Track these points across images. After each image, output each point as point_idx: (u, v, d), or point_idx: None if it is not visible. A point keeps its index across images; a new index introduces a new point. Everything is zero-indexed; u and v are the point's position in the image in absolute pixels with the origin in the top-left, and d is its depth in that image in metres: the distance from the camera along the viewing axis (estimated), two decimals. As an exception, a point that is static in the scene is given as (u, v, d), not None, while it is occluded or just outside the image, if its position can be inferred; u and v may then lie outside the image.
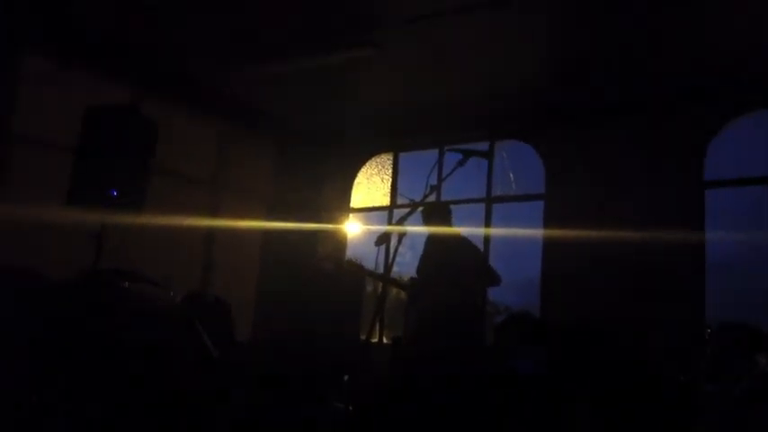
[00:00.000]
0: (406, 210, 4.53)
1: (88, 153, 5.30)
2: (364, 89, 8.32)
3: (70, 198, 5.28)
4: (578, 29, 6.52)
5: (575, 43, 6.79)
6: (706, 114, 7.39)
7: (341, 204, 9.73)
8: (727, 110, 7.38)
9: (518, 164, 8.70)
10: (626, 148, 7.70)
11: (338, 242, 9.64)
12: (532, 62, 7.23)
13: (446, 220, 6.59)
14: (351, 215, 9.81)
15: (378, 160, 9.78)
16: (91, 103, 5.50)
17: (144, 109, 5.60)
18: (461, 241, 6.61)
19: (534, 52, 7.02)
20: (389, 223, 9.15)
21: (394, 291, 7.60)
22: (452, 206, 7.05)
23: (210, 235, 8.79)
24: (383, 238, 4.32)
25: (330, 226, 9.52)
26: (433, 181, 4.36)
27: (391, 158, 9.65)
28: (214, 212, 8.91)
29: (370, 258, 8.03)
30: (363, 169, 9.84)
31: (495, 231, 8.56)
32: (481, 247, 8.18)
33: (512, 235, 8.72)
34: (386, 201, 9.59)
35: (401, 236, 4.31)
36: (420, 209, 6.50)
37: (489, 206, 8.65)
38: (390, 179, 9.59)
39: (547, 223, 8.11)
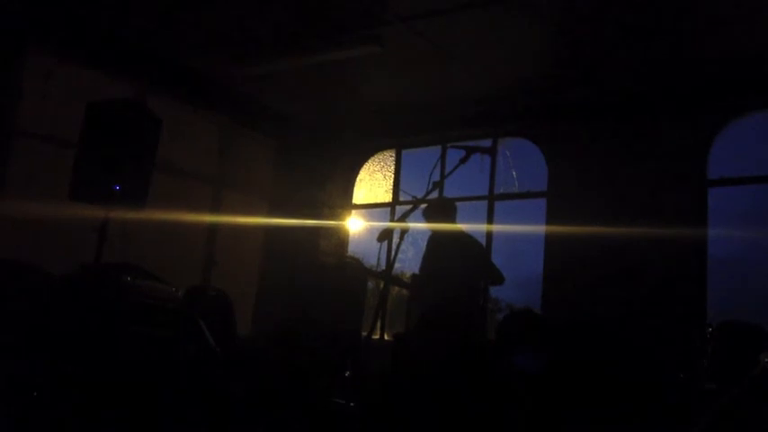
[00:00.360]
0: (408, 206, 4.53)
1: (91, 148, 5.31)
2: (367, 86, 8.32)
3: (73, 193, 5.29)
4: (581, 26, 6.51)
5: (578, 41, 6.78)
6: (710, 113, 7.37)
7: (343, 201, 9.74)
8: (731, 108, 7.36)
9: (521, 162, 8.70)
10: (629, 145, 7.68)
11: (340, 238, 9.65)
12: (535, 60, 7.23)
13: (451, 217, 6.59)
14: (353, 212, 9.81)
15: (380, 157, 9.78)
16: (94, 98, 5.51)
17: (147, 104, 5.61)
18: (466, 238, 6.61)
19: (537, 50, 7.02)
20: (391, 220, 9.14)
21: (395, 288, 7.62)
22: (455, 203, 7.06)
23: (212, 230, 8.80)
24: (385, 235, 4.32)
25: (332, 222, 9.52)
26: (436, 177, 4.35)
27: (393, 155, 9.65)
28: (216, 208, 8.92)
29: (372, 255, 8.05)
30: (366, 166, 9.84)
31: (496, 229, 8.55)
32: (483, 244, 8.19)
33: (514, 232, 8.71)
34: (388, 197, 9.59)
35: (403, 232, 4.31)
36: (424, 206, 6.51)
37: (492, 203, 8.64)
38: (393, 176, 9.58)
39: (549, 221, 8.10)
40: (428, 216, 6.52)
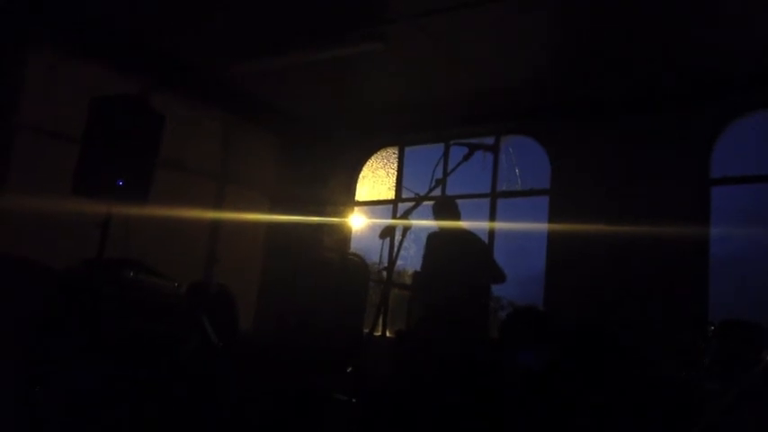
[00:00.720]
0: (411, 204, 4.53)
1: (94, 143, 5.31)
2: (371, 83, 8.32)
3: (76, 187, 5.29)
4: (584, 24, 6.50)
5: (581, 39, 6.77)
6: (713, 111, 7.36)
7: (345, 198, 9.74)
8: (734, 107, 7.35)
9: (524, 159, 8.69)
10: (632, 144, 7.68)
11: (343, 235, 9.65)
12: (539, 57, 7.22)
13: (456, 215, 6.60)
14: (355, 209, 9.81)
15: (383, 154, 9.77)
16: (97, 93, 5.51)
17: (151, 100, 5.61)
18: (469, 236, 6.62)
19: (540, 48, 7.01)
20: (394, 217, 9.15)
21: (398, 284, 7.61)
22: (457, 201, 7.06)
23: (215, 226, 8.81)
24: (387, 232, 4.32)
25: (334, 219, 9.52)
26: (439, 175, 4.35)
27: (396, 152, 9.64)
28: (219, 204, 8.92)
29: (375, 252, 8.04)
30: (369, 163, 9.84)
31: (499, 226, 8.55)
32: (485, 241, 8.18)
33: (516, 229, 8.71)
34: (391, 195, 9.58)
35: (406, 230, 4.31)
36: (431, 203, 6.52)
37: (494, 201, 8.64)
38: (395, 173, 9.58)
39: (551, 219, 8.10)
40: (437, 213, 6.54)
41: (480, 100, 8.22)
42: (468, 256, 6.38)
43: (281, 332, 5.76)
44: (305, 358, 5.17)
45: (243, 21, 6.98)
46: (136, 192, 5.43)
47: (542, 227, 8.16)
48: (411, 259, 8.54)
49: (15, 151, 6.82)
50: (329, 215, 9.47)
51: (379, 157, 9.78)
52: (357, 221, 9.80)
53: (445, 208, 6.58)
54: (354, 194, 9.81)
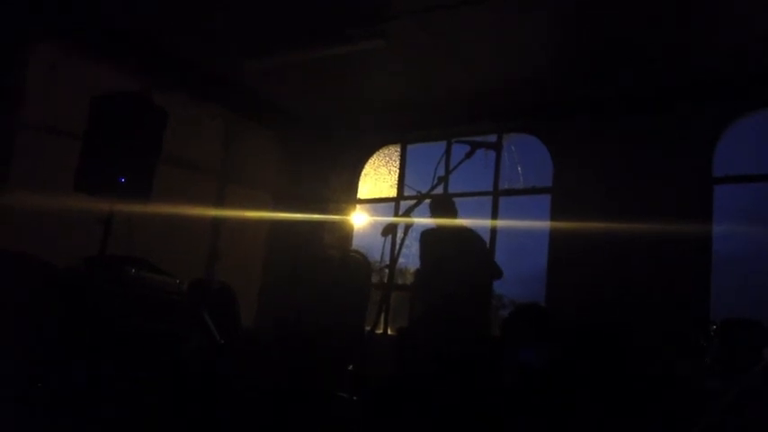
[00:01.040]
0: (413, 201, 4.53)
1: (96, 140, 5.30)
2: (373, 80, 8.31)
3: (78, 184, 5.29)
4: (587, 22, 6.50)
5: (584, 37, 6.77)
6: (716, 109, 7.35)
7: (347, 195, 9.74)
8: (737, 106, 7.34)
9: (526, 158, 8.69)
10: (634, 142, 7.67)
11: (344, 233, 9.65)
12: (541, 55, 7.21)
13: (452, 213, 6.60)
14: (357, 206, 9.81)
15: (385, 152, 9.77)
16: (99, 91, 5.50)
17: (153, 98, 5.60)
18: (466, 233, 6.62)
19: (543, 45, 7.00)
20: (396, 215, 9.15)
21: (399, 282, 7.62)
22: (460, 199, 7.05)
23: (217, 223, 8.81)
24: (389, 229, 4.33)
25: (336, 217, 9.52)
26: (441, 172, 4.36)
27: (399, 150, 9.64)
28: (220, 201, 8.93)
29: (377, 250, 8.03)
30: (371, 160, 9.83)
31: (501, 225, 8.54)
32: (487, 240, 8.18)
33: (519, 227, 8.70)
34: (393, 192, 9.58)
35: (407, 227, 4.31)
36: (427, 201, 6.51)
37: (496, 199, 8.63)
38: (398, 171, 9.58)
39: (553, 217, 8.10)
40: (434, 210, 6.54)
41: (482, 98, 8.22)
42: (467, 253, 6.38)
43: (281, 329, 5.76)
44: (306, 356, 5.18)
45: (244, 19, 6.98)
46: (138, 189, 5.42)
47: (544, 225, 8.16)
48: (413, 257, 8.52)
49: (17, 149, 6.82)
50: (331, 213, 9.48)
51: (382, 154, 9.78)
52: (359, 219, 9.80)
53: (441, 206, 6.58)
54: (356, 192, 9.81)
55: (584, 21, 6.49)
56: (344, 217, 9.63)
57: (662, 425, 4.56)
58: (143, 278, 5.52)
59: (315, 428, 4.76)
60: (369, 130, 9.45)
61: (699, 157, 7.33)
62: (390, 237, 4.66)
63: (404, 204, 9.18)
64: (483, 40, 6.99)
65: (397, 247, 4.31)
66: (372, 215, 9.82)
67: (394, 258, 4.64)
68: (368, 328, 6.68)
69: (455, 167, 4.35)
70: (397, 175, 9.58)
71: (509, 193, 8.64)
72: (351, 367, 5.56)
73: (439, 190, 5.78)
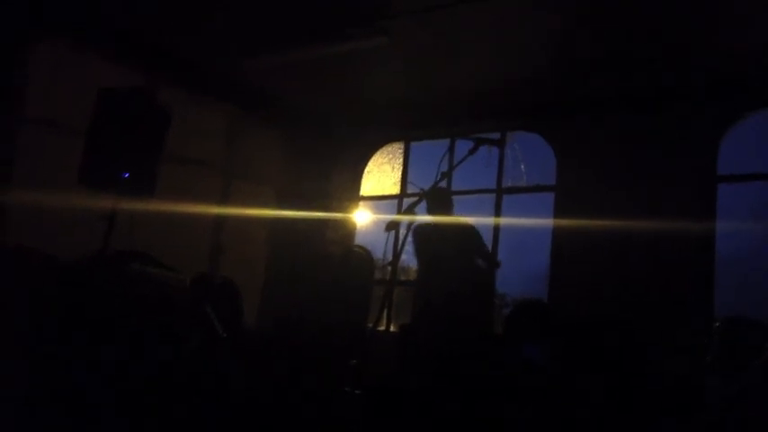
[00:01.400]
0: (416, 198, 4.54)
1: (100, 136, 5.31)
2: (376, 79, 8.31)
3: (81, 179, 5.30)
4: (592, 20, 6.50)
5: (588, 34, 6.76)
6: (721, 107, 7.34)
7: (350, 192, 9.74)
8: (742, 104, 7.34)
9: (529, 156, 8.69)
10: (638, 140, 7.67)
11: (347, 230, 9.65)
12: (545, 53, 7.21)
13: (448, 206, 6.58)
14: (360, 203, 9.81)
15: (389, 149, 9.77)
16: (104, 85, 5.51)
17: (157, 93, 5.62)
18: (459, 224, 6.62)
19: (547, 43, 7.00)
20: (399, 212, 9.15)
21: (402, 279, 7.62)
22: (463, 197, 7.06)
23: (219, 220, 8.82)
24: (393, 225, 4.34)
25: (339, 214, 9.53)
26: (445, 168, 4.37)
27: (402, 147, 9.64)
28: (224, 197, 8.94)
29: (379, 247, 8.05)
30: (374, 158, 9.83)
31: (503, 222, 8.54)
32: (490, 238, 8.19)
33: (521, 225, 8.70)
34: (396, 190, 9.59)
35: (410, 224, 4.32)
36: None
37: (499, 197, 8.63)
38: (401, 168, 9.57)
39: (557, 215, 8.10)
40: (430, 205, 6.52)
41: (485, 96, 8.21)
42: (462, 247, 6.38)
43: (284, 325, 5.78)
44: (308, 351, 5.19)
45: (247, 17, 6.99)
46: (142, 186, 5.44)
47: (547, 223, 8.16)
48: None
49: (20, 145, 6.84)
50: (334, 210, 9.48)
51: (385, 151, 9.78)
52: (362, 216, 9.80)
53: (437, 199, 6.55)
54: (359, 189, 9.81)
55: (588, 19, 6.48)
56: (347, 214, 9.63)
57: (664, 422, 4.57)
58: (147, 273, 5.52)
59: (317, 425, 4.77)
60: (372, 127, 9.45)
61: (702, 156, 7.33)
62: (393, 233, 4.66)
63: (407, 202, 9.18)
64: (484, 38, 7.00)
65: (400, 243, 4.32)
66: (375, 213, 9.83)
67: (397, 255, 4.65)
68: (370, 325, 6.69)
69: (458, 163, 4.37)
70: (400, 173, 9.58)
71: (512, 190, 8.64)
72: (353, 362, 5.57)
73: (442, 186, 5.79)
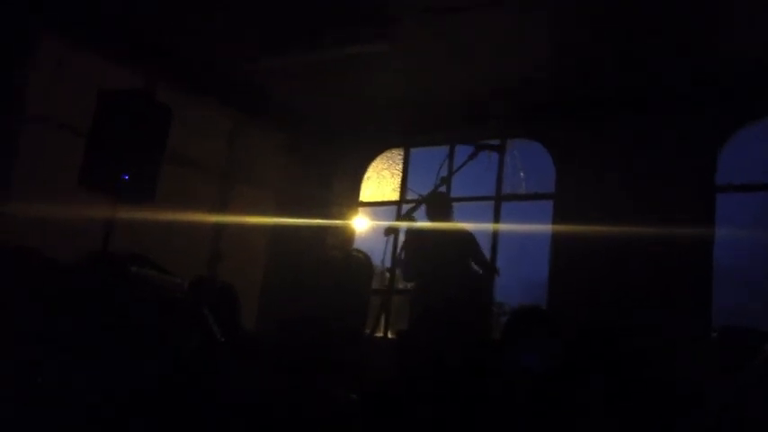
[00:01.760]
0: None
1: (101, 137, 5.32)
2: (377, 84, 8.31)
3: (81, 180, 5.30)
4: (591, 26, 6.52)
5: (588, 41, 6.78)
6: (720, 117, 7.36)
7: (350, 198, 9.73)
8: (742, 113, 7.35)
9: (529, 163, 8.69)
10: (637, 149, 7.68)
11: (347, 235, 9.64)
12: (543, 60, 7.22)
13: (449, 212, 6.58)
14: (360, 209, 9.80)
15: (388, 155, 9.77)
16: (105, 87, 5.53)
17: (158, 95, 5.63)
18: (460, 232, 6.62)
19: (546, 49, 7.02)
20: (398, 219, 9.14)
21: (400, 287, 7.60)
22: (462, 203, 7.06)
23: (219, 223, 8.81)
24: (392, 229, 4.34)
25: (338, 219, 9.51)
26: (444, 174, 4.37)
27: (402, 153, 9.64)
28: (224, 201, 8.93)
29: (378, 253, 8.04)
30: (374, 163, 9.83)
31: (503, 230, 8.53)
32: (489, 245, 8.18)
33: (519, 234, 8.70)
34: (395, 196, 9.58)
35: (409, 229, 4.32)
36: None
37: (498, 204, 8.62)
38: (401, 174, 9.57)
39: (556, 223, 8.10)
40: (428, 209, 6.51)
41: (486, 102, 8.21)
42: (462, 252, 6.38)
43: (282, 329, 5.76)
44: (306, 356, 5.18)
45: (248, 19, 7.00)
46: (142, 189, 5.44)
47: (546, 231, 8.15)
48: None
49: (22, 144, 6.84)
50: (334, 215, 9.47)
51: (385, 157, 9.77)
52: (361, 223, 9.79)
53: (436, 204, 6.54)
54: (359, 195, 9.80)
55: (586, 24, 6.50)
56: (347, 219, 9.62)
57: (662, 429, 4.56)
58: (145, 276, 5.51)
59: (314, 429, 4.76)
60: (372, 133, 9.45)
61: (702, 165, 7.34)
62: (392, 238, 4.66)
63: (406, 208, 9.16)
64: (487, 44, 7.01)
65: (399, 249, 4.32)
66: (375, 219, 9.81)
67: (395, 261, 4.65)
68: (367, 332, 6.69)
69: (458, 168, 4.38)
70: (399, 179, 9.57)
71: (511, 198, 8.63)
72: (351, 366, 5.57)
73: (442, 191, 5.79)
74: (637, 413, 4.56)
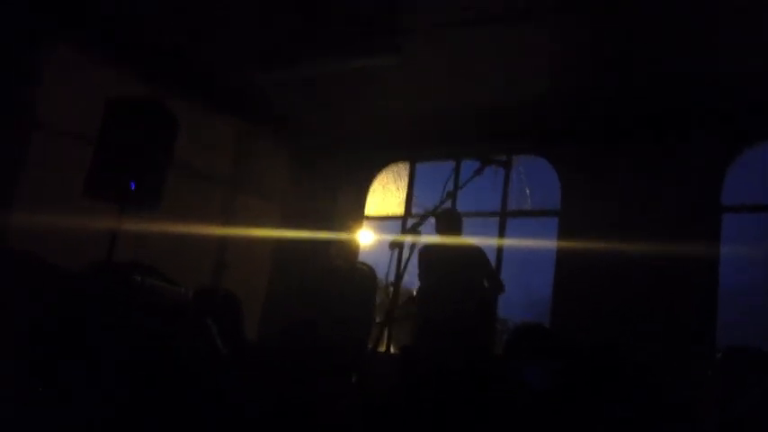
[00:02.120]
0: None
1: (108, 144, 5.32)
2: (384, 97, 8.33)
3: (87, 187, 5.30)
4: (598, 46, 6.53)
5: (594, 60, 6.80)
6: (727, 137, 7.36)
7: (355, 212, 9.72)
8: (749, 134, 7.35)
9: (534, 180, 8.69)
10: (643, 168, 7.67)
11: (351, 248, 9.63)
12: (551, 77, 7.24)
13: (460, 228, 6.59)
14: (364, 223, 9.79)
15: (394, 169, 9.77)
16: (112, 94, 5.54)
17: (165, 103, 5.63)
18: (470, 248, 6.61)
19: (553, 68, 7.03)
20: (403, 233, 9.13)
21: (404, 299, 7.58)
22: (467, 219, 7.03)
23: (224, 233, 8.81)
24: (397, 243, 4.32)
25: (343, 233, 9.50)
26: (450, 188, 4.36)
27: (407, 168, 9.65)
28: (229, 211, 8.94)
29: (383, 267, 8.03)
30: (379, 177, 9.83)
31: (507, 247, 8.51)
32: (493, 261, 8.16)
33: (524, 252, 8.68)
34: (400, 210, 9.57)
35: (413, 245, 4.31)
36: (433, 218, 6.50)
37: (503, 220, 8.61)
38: (406, 189, 9.57)
39: (560, 240, 8.08)
40: (438, 224, 6.52)
41: (492, 119, 8.22)
42: (469, 267, 6.37)
43: (285, 339, 5.75)
44: (308, 366, 5.16)
45: (258, 30, 7.04)
46: (148, 197, 5.44)
47: (551, 248, 8.14)
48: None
49: (29, 152, 6.86)
50: (339, 229, 9.46)
51: (390, 171, 9.78)
52: (366, 236, 9.78)
53: (446, 219, 6.55)
54: (364, 209, 9.80)
55: (594, 44, 6.52)
56: (352, 233, 9.61)
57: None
58: (148, 285, 5.51)
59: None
60: (379, 147, 9.46)
61: (708, 184, 7.33)
62: (397, 252, 4.65)
63: (411, 222, 9.17)
64: (493, 61, 7.03)
65: (403, 264, 4.30)
66: (380, 233, 9.81)
67: (399, 275, 4.63)
68: (370, 346, 6.67)
69: (464, 184, 4.36)
70: (405, 193, 9.57)
71: (517, 214, 8.62)
72: (354, 379, 5.55)
73: (446, 206, 5.78)
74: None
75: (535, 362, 4.67)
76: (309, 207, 9.38)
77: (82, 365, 4.53)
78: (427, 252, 6.48)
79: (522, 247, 8.66)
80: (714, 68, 6.64)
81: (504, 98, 7.77)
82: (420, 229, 4.44)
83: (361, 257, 9.68)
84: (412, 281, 8.33)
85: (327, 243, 9.33)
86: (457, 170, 8.42)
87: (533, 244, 8.59)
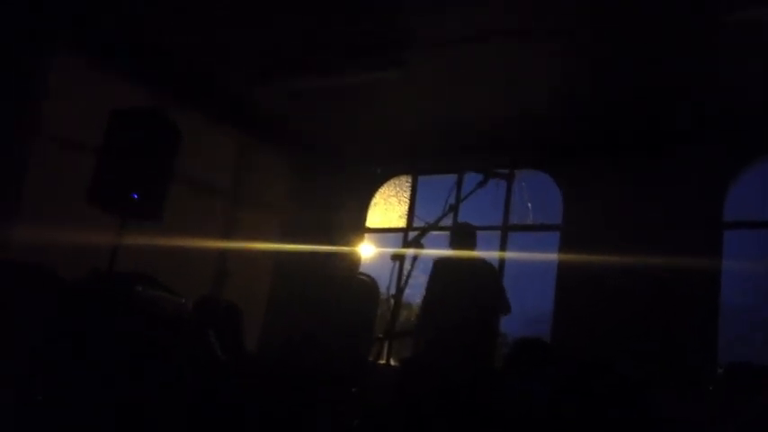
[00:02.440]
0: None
1: (112, 155, 5.34)
2: (387, 110, 8.34)
3: (90, 197, 5.31)
4: (601, 62, 6.55)
5: (595, 75, 6.81)
6: (729, 154, 7.36)
7: (356, 224, 9.72)
8: (750, 151, 7.35)
9: (536, 195, 8.69)
10: (645, 184, 7.68)
11: (352, 261, 9.62)
12: (555, 94, 7.25)
13: (473, 242, 6.60)
14: (366, 236, 9.78)
15: (396, 182, 9.78)
16: (116, 105, 5.56)
17: (168, 115, 5.65)
18: (479, 263, 6.61)
19: (553, 82, 7.04)
20: (404, 246, 9.11)
21: (405, 313, 7.57)
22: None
23: (225, 245, 8.80)
24: (399, 255, 4.32)
25: (344, 246, 9.50)
26: (453, 201, 4.36)
27: (409, 181, 9.65)
28: (230, 222, 8.94)
29: (383, 280, 8.01)
30: (381, 190, 9.84)
31: (508, 260, 8.50)
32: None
33: (524, 266, 8.66)
34: (402, 223, 9.57)
35: (415, 258, 4.30)
36: (436, 233, 6.51)
37: (505, 234, 8.61)
38: (408, 201, 9.57)
39: (561, 255, 8.08)
40: (453, 244, 6.54)
41: (495, 132, 8.25)
42: (477, 283, 6.36)
43: (286, 350, 5.75)
44: (309, 377, 5.16)
45: (261, 43, 7.06)
46: (150, 207, 5.45)
47: (552, 263, 8.13)
48: (420, 288, 8.50)
49: (31, 162, 6.86)
50: (340, 241, 9.45)
51: (392, 184, 9.79)
52: (367, 249, 9.78)
53: (462, 236, 6.57)
54: (365, 221, 9.80)
55: (598, 60, 6.54)
56: (353, 246, 9.61)
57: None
58: (149, 296, 5.51)
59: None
60: (380, 159, 9.48)
61: (710, 200, 7.33)
62: (398, 265, 4.64)
63: (412, 236, 9.15)
64: (497, 75, 7.04)
65: (405, 277, 4.29)
66: (381, 246, 9.80)
67: (400, 288, 4.62)
68: (371, 359, 6.65)
69: (467, 196, 4.36)
70: (406, 206, 9.57)
71: (518, 228, 8.62)
72: (354, 390, 5.54)
73: (448, 220, 5.78)
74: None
75: (534, 376, 4.67)
76: (310, 219, 9.37)
77: (82, 376, 4.52)
78: (440, 264, 6.50)
79: (523, 260, 8.64)
80: (717, 84, 6.64)
81: (507, 112, 7.78)
82: (422, 241, 4.43)
83: (362, 270, 9.68)
84: (414, 293, 8.36)
85: (328, 255, 9.32)
86: (459, 183, 8.41)
87: (535, 258, 8.58)
